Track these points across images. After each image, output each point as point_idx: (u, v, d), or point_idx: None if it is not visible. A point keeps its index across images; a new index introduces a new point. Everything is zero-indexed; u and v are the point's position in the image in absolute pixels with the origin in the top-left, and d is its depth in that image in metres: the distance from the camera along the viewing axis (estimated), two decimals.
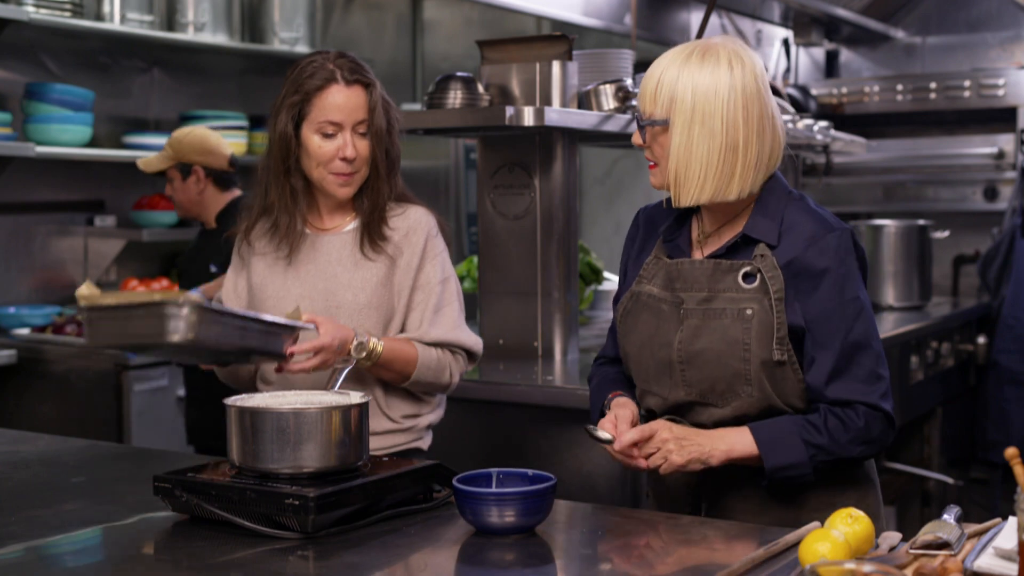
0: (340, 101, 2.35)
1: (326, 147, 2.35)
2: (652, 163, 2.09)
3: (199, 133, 3.94)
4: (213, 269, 3.80)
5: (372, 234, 2.41)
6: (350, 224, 2.45)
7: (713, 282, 2.04)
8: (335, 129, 2.35)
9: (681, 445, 1.96)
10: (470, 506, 1.82)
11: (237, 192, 3.95)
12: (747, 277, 2.02)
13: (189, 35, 4.89)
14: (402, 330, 2.40)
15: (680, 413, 2.08)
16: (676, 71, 2.01)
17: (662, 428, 1.98)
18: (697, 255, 2.11)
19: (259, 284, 2.44)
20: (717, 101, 1.99)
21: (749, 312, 2.00)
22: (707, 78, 1.99)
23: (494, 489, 1.84)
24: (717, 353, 2.00)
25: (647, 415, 2.14)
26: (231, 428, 1.88)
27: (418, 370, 2.34)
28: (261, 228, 2.46)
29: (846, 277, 2.01)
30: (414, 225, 2.44)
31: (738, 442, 1.98)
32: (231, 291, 2.51)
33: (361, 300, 2.37)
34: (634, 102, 3.31)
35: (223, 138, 4.00)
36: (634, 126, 2.10)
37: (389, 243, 2.41)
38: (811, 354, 1.99)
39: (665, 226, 2.17)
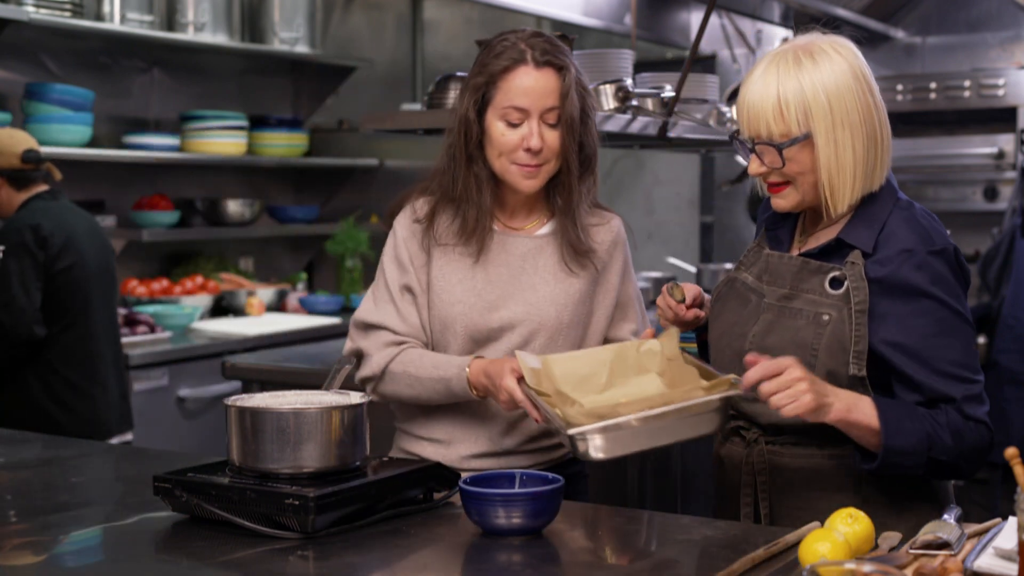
0: (527, 84, 2.12)
1: (510, 136, 2.13)
2: (780, 184, 1.95)
3: None
4: None
5: (575, 245, 2.21)
6: (544, 227, 2.25)
7: (798, 280, 1.96)
8: (520, 116, 2.12)
9: (815, 389, 1.78)
10: (476, 507, 1.80)
11: (39, 188, 3.80)
12: (834, 283, 1.92)
13: (189, 35, 4.90)
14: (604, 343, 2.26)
15: (745, 411, 2.01)
16: (795, 81, 1.88)
17: (793, 365, 1.79)
18: (795, 251, 2.02)
19: (440, 280, 2.22)
20: (848, 94, 1.88)
21: (826, 318, 1.90)
22: (828, 75, 1.88)
23: (500, 490, 1.84)
24: (784, 353, 1.88)
25: None
26: (231, 428, 1.88)
27: None
28: (445, 217, 2.23)
29: (946, 298, 1.88)
30: (617, 238, 2.28)
31: (857, 404, 1.83)
32: (413, 284, 2.23)
33: (564, 319, 2.20)
34: (634, 101, 3.31)
35: (16, 135, 3.80)
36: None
37: (594, 256, 2.23)
38: (914, 378, 1.87)
39: (768, 215, 2.08)
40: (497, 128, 2.14)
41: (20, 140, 3.78)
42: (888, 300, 1.88)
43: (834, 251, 1.94)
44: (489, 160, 2.18)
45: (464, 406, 2.22)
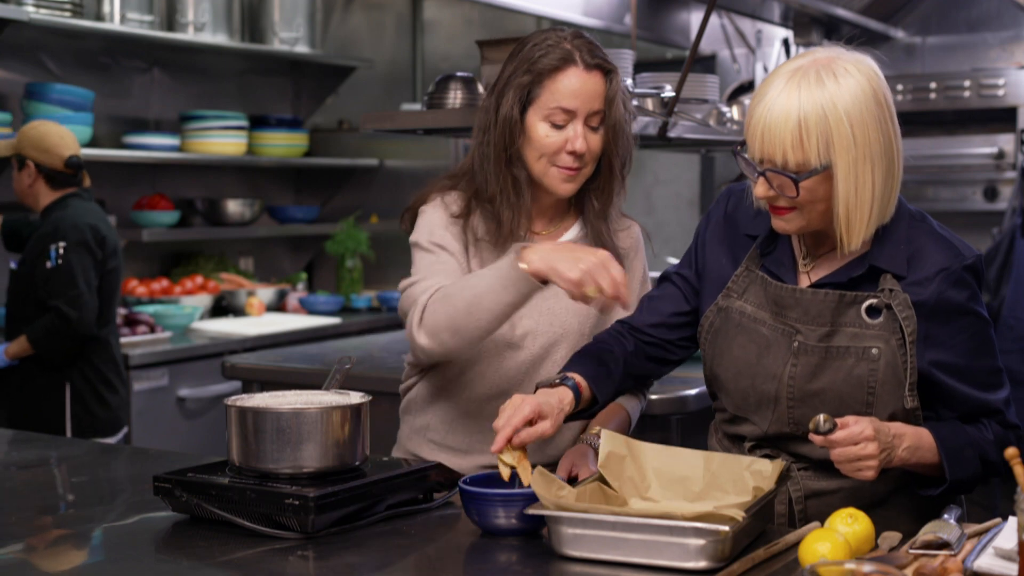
0: (576, 86, 2.06)
1: (553, 137, 2.07)
2: (786, 208, 1.81)
3: (41, 130, 3.85)
4: (13, 265, 3.86)
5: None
6: (569, 232, 2.21)
7: (836, 315, 1.85)
8: (566, 118, 2.07)
9: (880, 459, 1.73)
10: (476, 507, 1.80)
11: (71, 189, 3.87)
12: (871, 311, 1.84)
13: (189, 35, 4.90)
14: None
15: (776, 445, 1.93)
16: (817, 104, 1.73)
17: (870, 439, 1.72)
18: (803, 280, 1.91)
19: None
20: (872, 122, 1.75)
21: (875, 352, 1.82)
22: (851, 99, 1.74)
23: (500, 490, 1.83)
24: (838, 394, 1.83)
25: (735, 440, 1.99)
26: (231, 428, 1.88)
27: (633, 422, 2.22)
28: (478, 216, 2.17)
29: (980, 310, 1.86)
30: (636, 244, 2.24)
31: (919, 445, 1.80)
32: (450, 246, 2.14)
33: (587, 329, 2.17)
34: (634, 101, 3.30)
35: (67, 137, 3.86)
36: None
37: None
38: (961, 396, 1.86)
39: (762, 237, 1.95)
40: (540, 129, 2.09)
41: (69, 144, 3.86)
42: (929, 322, 1.84)
43: (865, 277, 1.86)
44: (528, 161, 2.12)
45: (485, 416, 2.15)
